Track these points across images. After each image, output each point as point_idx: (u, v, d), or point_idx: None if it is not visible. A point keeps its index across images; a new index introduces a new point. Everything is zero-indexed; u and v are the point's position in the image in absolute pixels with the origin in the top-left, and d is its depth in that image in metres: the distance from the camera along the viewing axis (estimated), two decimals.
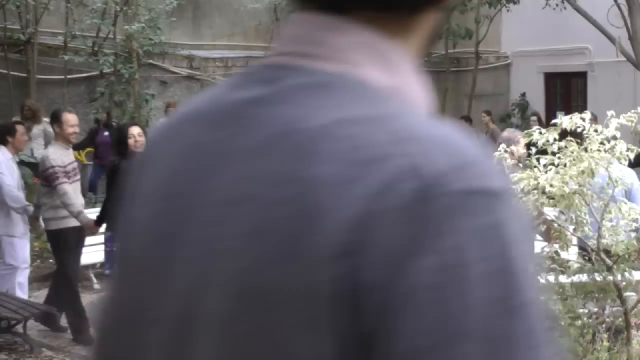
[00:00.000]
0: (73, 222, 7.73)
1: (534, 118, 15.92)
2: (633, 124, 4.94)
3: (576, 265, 5.13)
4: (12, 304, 7.72)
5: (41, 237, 10.48)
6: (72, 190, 7.74)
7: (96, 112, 15.11)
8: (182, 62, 17.12)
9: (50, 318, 8.14)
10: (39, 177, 8.14)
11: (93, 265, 10.18)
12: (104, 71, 15.07)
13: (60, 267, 8.04)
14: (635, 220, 4.88)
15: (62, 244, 7.85)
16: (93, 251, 10.23)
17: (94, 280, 10.10)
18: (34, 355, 7.45)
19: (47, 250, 10.61)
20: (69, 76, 15.43)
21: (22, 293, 8.39)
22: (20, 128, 8.66)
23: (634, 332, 5.05)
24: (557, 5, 16.20)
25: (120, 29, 15.03)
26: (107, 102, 14.94)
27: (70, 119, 7.93)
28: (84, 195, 14.38)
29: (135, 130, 7.80)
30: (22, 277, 8.47)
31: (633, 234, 5.06)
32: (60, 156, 7.74)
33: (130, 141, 7.61)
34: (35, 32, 14.67)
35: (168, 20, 15.57)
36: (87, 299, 9.45)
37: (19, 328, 7.65)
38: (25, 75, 14.91)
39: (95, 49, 15.29)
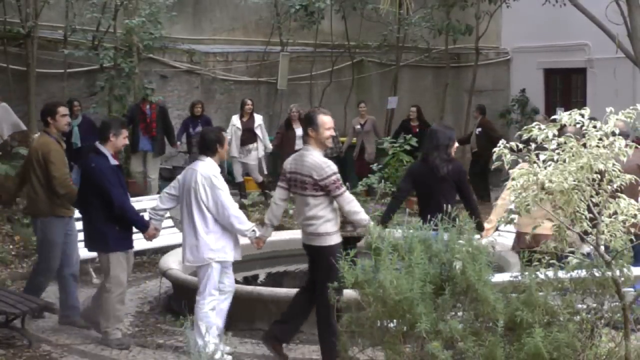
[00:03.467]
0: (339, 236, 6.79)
1: (539, 117, 15.85)
2: (632, 120, 4.94)
3: (575, 261, 5.13)
4: (10, 298, 7.70)
5: None
6: None
7: (96, 106, 15.11)
8: (182, 56, 17.11)
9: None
10: (310, 187, 6.76)
11: (92, 260, 10.18)
12: (104, 65, 15.05)
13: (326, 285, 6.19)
14: (634, 216, 4.88)
15: (334, 260, 6.33)
16: None
17: (93, 275, 10.11)
18: (32, 350, 7.44)
19: None
20: (68, 70, 15.42)
21: (222, 320, 7.37)
22: (226, 136, 7.78)
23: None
24: (556, 1, 16.21)
25: (121, 23, 15.01)
26: (107, 96, 14.93)
27: (327, 121, 6.93)
28: None
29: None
30: (226, 303, 7.43)
31: (632, 229, 5.06)
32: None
33: (453, 147, 7.32)
34: (35, 26, 14.62)
35: (168, 14, 15.56)
36: (86, 294, 9.48)
37: (17, 323, 7.64)
38: (24, 69, 14.86)
39: (96, 42, 15.27)
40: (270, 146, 15.38)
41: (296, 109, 15.58)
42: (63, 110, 8.27)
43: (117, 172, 7.64)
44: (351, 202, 6.78)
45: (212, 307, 7.24)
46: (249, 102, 15.34)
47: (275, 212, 7.20)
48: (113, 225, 7.50)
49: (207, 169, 7.21)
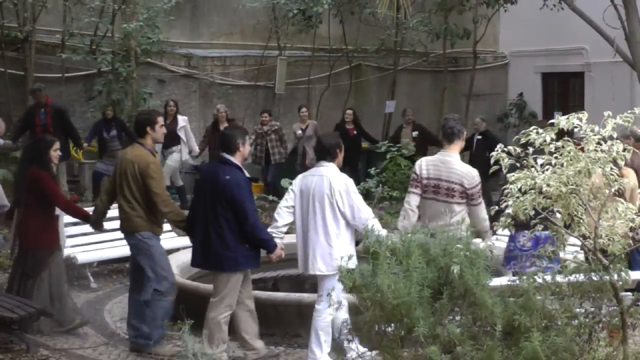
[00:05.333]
0: None
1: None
2: (629, 124, 4.95)
3: (573, 265, 5.14)
4: (8, 302, 7.68)
5: None
6: None
7: (93, 110, 15.11)
8: (180, 60, 17.11)
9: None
10: (458, 195, 6.89)
11: (90, 264, 10.19)
12: (102, 69, 15.04)
13: None
14: (632, 220, 4.88)
15: None
16: (90, 250, 10.24)
17: (91, 279, 10.08)
18: (30, 354, 7.42)
19: None
20: (66, 74, 15.43)
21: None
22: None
23: (630, 331, 5.06)
24: (554, 5, 16.23)
25: (118, 27, 15.02)
26: (105, 101, 14.93)
27: None
28: (81, 195, 14.35)
29: None
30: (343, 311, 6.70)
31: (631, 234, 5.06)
32: None
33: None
34: (33, 30, 14.65)
35: (166, 18, 15.57)
36: (84, 298, 9.47)
37: (15, 327, 7.62)
38: (22, 73, 14.89)
39: (93, 47, 15.28)
40: (196, 149, 14.65)
41: (223, 109, 14.93)
42: (162, 120, 7.65)
43: (250, 186, 7.20)
44: (484, 211, 6.97)
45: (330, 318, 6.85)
46: (172, 103, 14.64)
47: (412, 219, 7.00)
48: (243, 242, 6.95)
49: (336, 173, 6.95)
